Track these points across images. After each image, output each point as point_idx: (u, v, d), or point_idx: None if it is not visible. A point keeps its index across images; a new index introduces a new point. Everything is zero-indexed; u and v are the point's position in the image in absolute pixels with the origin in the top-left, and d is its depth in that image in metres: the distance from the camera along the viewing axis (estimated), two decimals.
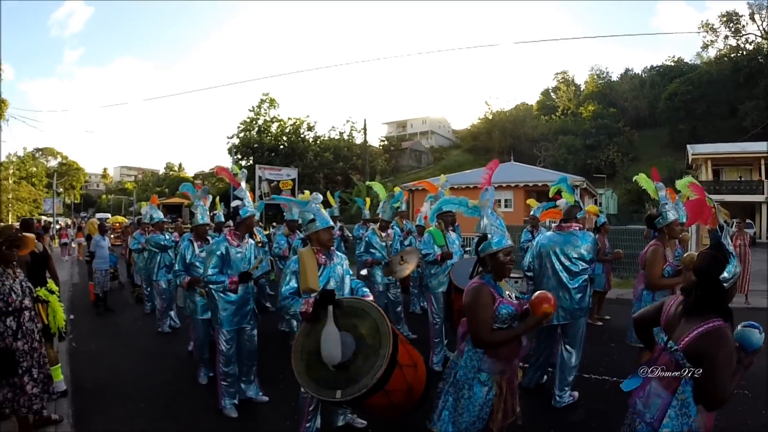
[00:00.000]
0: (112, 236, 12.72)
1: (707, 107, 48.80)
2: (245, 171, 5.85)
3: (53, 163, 76.66)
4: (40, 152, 76.04)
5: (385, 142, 64.89)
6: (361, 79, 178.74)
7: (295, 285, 4.06)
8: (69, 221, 34.27)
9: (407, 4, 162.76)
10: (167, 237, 9.19)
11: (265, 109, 42.51)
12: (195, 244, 6.30)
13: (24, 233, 4.69)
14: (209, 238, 6.44)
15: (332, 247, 4.35)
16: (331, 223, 4.29)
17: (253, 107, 42.53)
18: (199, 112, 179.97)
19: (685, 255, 4.94)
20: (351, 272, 4.44)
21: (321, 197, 4.46)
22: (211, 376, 6.05)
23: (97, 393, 5.76)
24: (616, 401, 5.09)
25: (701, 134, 45.29)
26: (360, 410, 4.18)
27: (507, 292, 3.24)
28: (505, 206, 25.66)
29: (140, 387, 5.96)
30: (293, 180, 34.03)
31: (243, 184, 5.32)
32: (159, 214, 9.53)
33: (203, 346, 6.13)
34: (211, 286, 4.94)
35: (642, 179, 5.94)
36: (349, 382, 3.32)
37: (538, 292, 3.13)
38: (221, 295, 4.98)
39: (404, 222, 9.80)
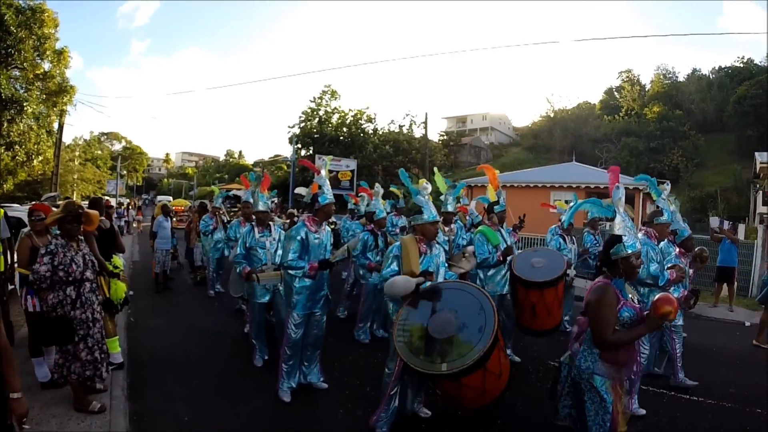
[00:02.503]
0: (174, 219, 12.95)
1: None
2: (326, 161, 5.87)
3: (118, 146, 79.09)
4: (106, 136, 78.59)
5: (445, 137, 64.28)
6: (422, 72, 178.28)
7: (396, 268, 4.41)
8: (130, 201, 35.22)
9: (471, 0, 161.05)
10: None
11: (327, 100, 42.68)
12: (256, 230, 6.31)
13: (88, 210, 4.78)
14: (270, 224, 6.49)
15: (434, 239, 4.60)
16: (438, 218, 4.54)
17: (314, 98, 42.72)
18: (261, 101, 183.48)
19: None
20: (447, 265, 4.80)
21: (430, 187, 4.75)
22: (266, 359, 6.10)
23: (153, 367, 5.84)
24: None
25: None
26: (445, 396, 4.02)
27: (630, 296, 3.24)
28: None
29: (195, 365, 6.01)
30: (352, 171, 34.16)
31: (323, 172, 5.27)
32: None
33: (260, 329, 6.24)
34: (290, 271, 4.95)
35: None
36: (453, 356, 3.57)
37: (660, 294, 3.17)
38: (298, 279, 4.99)
39: (467, 216, 9.65)
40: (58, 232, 4.47)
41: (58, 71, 24.86)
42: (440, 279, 4.48)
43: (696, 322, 9.65)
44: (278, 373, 5.12)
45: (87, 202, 6.35)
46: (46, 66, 24.43)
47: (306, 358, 5.28)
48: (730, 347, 8.02)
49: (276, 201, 11.29)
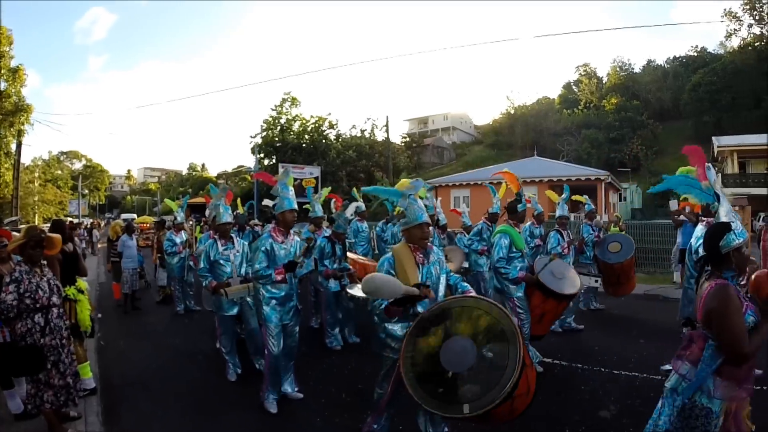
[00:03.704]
0: (141, 237, 12.73)
1: (732, 98, 47.67)
2: (289, 171, 5.68)
3: (78, 165, 77.88)
4: (65, 155, 77.34)
5: (407, 139, 64.62)
6: (382, 76, 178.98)
7: None
8: (93, 221, 34.64)
9: (427, 2, 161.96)
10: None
11: (287, 108, 42.53)
12: (219, 243, 6.17)
13: (49, 234, 4.73)
14: (233, 236, 6.41)
15: (429, 245, 3.93)
16: (425, 219, 3.80)
17: (275, 106, 42.60)
18: (222, 112, 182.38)
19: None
20: (449, 269, 4.02)
21: (419, 186, 4.03)
22: (239, 372, 6.08)
23: (126, 390, 5.77)
24: (646, 397, 5.02)
25: (726, 126, 44.26)
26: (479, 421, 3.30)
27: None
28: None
29: (169, 384, 5.97)
30: (316, 178, 34.11)
31: (286, 180, 5.21)
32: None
33: (231, 343, 6.18)
34: (260, 281, 4.98)
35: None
36: (474, 392, 2.98)
37: (759, 273, 2.73)
38: (268, 289, 5.00)
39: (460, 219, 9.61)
40: (20, 258, 4.39)
41: (14, 90, 24.38)
42: (441, 289, 3.83)
43: (664, 303, 9.95)
44: (263, 384, 5.10)
45: (48, 225, 6.26)
46: (1, 85, 23.94)
47: (280, 368, 5.24)
48: None
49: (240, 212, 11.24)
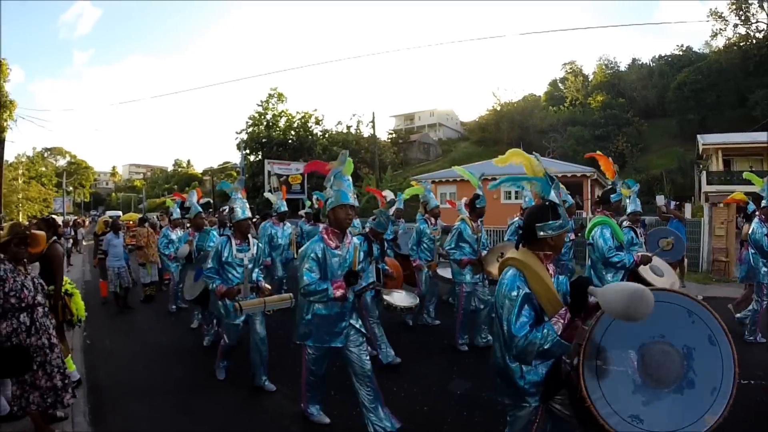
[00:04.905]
0: (128, 235, 12.52)
1: (717, 97, 48.11)
2: (346, 157, 4.51)
3: (62, 162, 77.33)
4: (49, 152, 76.70)
5: (393, 135, 64.72)
6: (368, 72, 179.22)
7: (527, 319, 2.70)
8: (77, 219, 34.36)
9: None
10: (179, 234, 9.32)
11: (273, 104, 42.40)
12: (233, 242, 5.45)
13: (34, 231, 4.68)
14: (248, 236, 5.66)
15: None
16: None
17: (261, 102, 42.45)
18: (207, 108, 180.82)
19: None
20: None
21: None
22: (227, 371, 6.01)
23: (113, 390, 5.71)
24: None
25: (711, 124, 44.63)
26: None
27: None
28: (515, 198, 25.50)
29: (156, 383, 5.92)
30: (302, 174, 34.01)
31: (341, 168, 4.35)
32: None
33: (230, 350, 5.75)
34: (309, 297, 4.03)
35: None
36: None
37: None
38: (316, 306, 4.12)
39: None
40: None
41: None
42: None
43: None
44: (302, 399, 4.64)
45: (37, 222, 6.19)
46: None
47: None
48: None
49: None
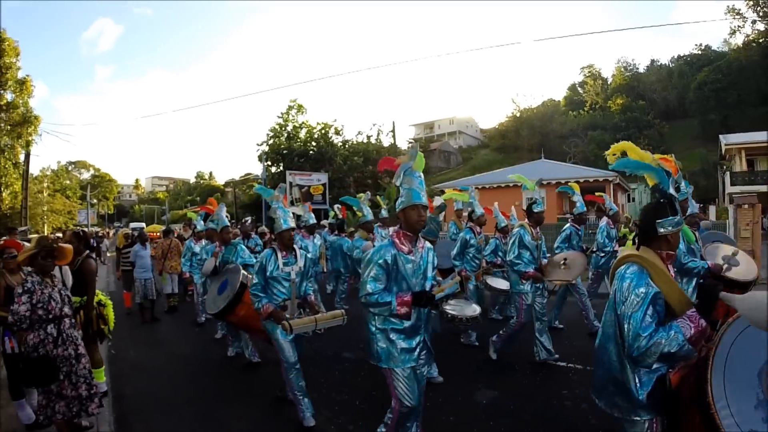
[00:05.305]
0: (152, 246, 12.56)
1: (738, 95, 47.63)
2: (417, 150, 4.03)
3: (86, 175, 78.31)
4: (73, 165, 77.83)
5: (414, 144, 64.74)
6: (387, 81, 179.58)
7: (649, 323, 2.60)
8: (101, 231, 34.79)
9: (430, 7, 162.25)
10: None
11: (293, 115, 42.57)
12: (279, 254, 4.95)
13: (61, 245, 4.73)
14: (294, 247, 5.17)
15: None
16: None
17: (281, 114, 42.67)
18: (228, 120, 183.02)
19: None
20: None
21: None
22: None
23: (138, 400, 5.75)
24: None
25: (733, 124, 44.14)
26: None
27: None
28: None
29: (181, 394, 5.94)
30: (324, 185, 34.11)
31: (412, 164, 3.89)
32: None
33: (296, 369, 4.88)
34: (372, 309, 3.58)
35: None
36: None
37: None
38: (387, 318, 3.62)
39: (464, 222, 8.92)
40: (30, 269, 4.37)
41: (21, 101, 24.56)
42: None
43: None
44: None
45: (68, 235, 6.25)
46: (9, 96, 24.14)
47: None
48: None
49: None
